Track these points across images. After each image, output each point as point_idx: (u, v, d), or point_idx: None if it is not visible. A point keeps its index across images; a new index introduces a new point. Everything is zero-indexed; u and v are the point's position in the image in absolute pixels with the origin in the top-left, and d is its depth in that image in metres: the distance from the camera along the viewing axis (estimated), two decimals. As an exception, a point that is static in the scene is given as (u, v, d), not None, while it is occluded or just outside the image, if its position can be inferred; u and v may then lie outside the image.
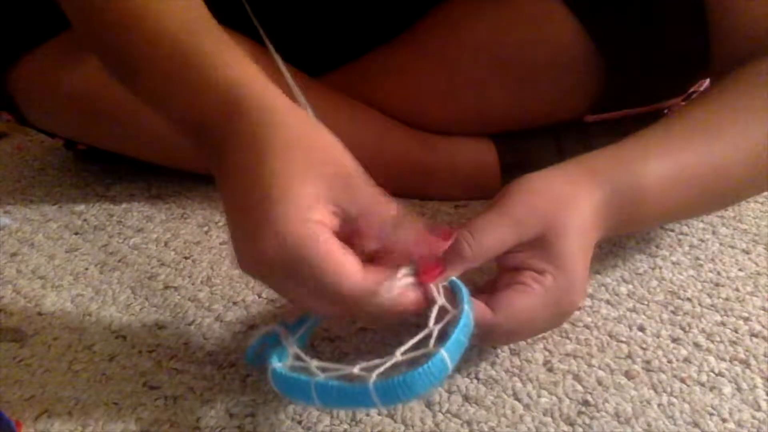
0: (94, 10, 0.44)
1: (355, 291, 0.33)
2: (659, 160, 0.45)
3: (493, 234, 0.39)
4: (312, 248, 0.32)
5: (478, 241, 0.39)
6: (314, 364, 0.34)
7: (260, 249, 0.33)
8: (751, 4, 0.52)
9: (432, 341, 0.34)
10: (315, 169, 0.35)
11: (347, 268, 0.33)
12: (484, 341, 0.40)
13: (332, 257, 0.33)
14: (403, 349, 0.34)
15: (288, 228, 0.32)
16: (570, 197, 0.41)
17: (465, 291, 0.37)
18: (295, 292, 0.34)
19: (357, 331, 0.46)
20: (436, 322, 0.35)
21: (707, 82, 0.67)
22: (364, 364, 0.33)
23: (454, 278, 0.38)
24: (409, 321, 0.37)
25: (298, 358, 0.36)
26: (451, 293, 0.38)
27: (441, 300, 0.36)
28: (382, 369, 0.33)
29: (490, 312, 0.38)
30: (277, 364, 0.36)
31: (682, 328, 0.46)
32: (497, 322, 0.38)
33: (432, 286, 0.37)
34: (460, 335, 0.35)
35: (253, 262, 0.34)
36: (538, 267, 0.39)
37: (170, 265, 0.56)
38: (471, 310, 0.36)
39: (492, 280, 0.41)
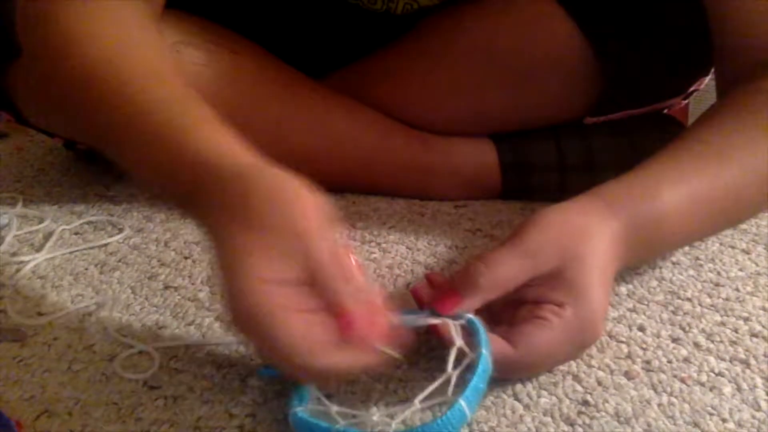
0: (59, 67, 0.45)
1: (304, 365, 0.33)
2: (673, 187, 0.45)
3: (506, 265, 0.39)
4: (261, 312, 0.32)
5: (492, 271, 0.39)
6: (335, 409, 0.35)
7: (229, 305, 0.34)
8: (753, 19, 0.52)
9: (450, 388, 0.34)
10: (274, 233, 0.34)
11: (293, 337, 0.32)
12: (505, 375, 0.40)
13: (279, 324, 0.32)
14: (421, 396, 0.34)
15: (241, 288, 0.33)
16: (585, 228, 0.41)
17: (483, 332, 0.37)
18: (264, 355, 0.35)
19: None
20: (455, 365, 0.36)
21: (706, 80, 0.67)
22: (383, 411, 0.34)
23: (471, 317, 0.38)
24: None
25: (319, 401, 0.37)
26: (469, 333, 0.38)
27: (459, 341, 0.37)
28: (401, 418, 0.33)
29: (509, 347, 0.38)
30: (298, 407, 0.36)
31: (682, 328, 0.46)
32: (517, 357, 0.38)
33: (450, 326, 0.38)
34: (479, 382, 0.35)
35: (230, 319, 0.35)
36: (557, 299, 0.39)
37: (170, 265, 0.56)
38: (489, 353, 0.36)
39: (511, 311, 0.41)
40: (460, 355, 0.36)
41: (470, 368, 0.36)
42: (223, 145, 0.39)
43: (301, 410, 0.36)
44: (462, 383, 0.35)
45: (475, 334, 0.37)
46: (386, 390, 0.40)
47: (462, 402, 0.33)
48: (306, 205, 0.35)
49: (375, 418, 0.33)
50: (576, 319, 0.38)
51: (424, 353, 0.43)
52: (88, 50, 0.44)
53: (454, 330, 0.37)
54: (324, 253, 0.34)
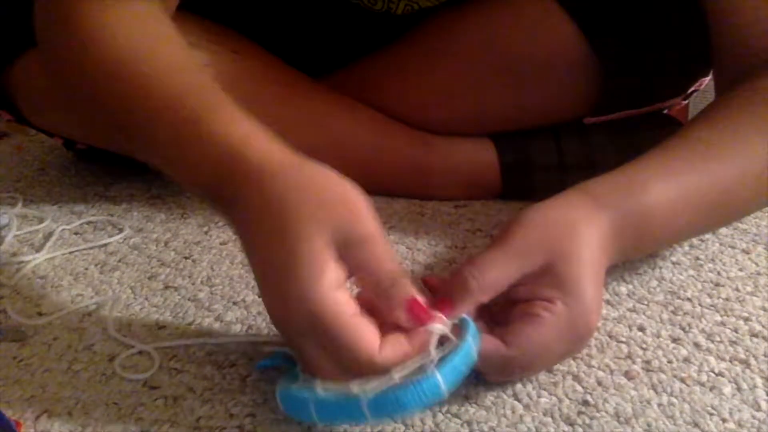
0: (82, 63, 0.45)
1: (369, 365, 0.34)
2: (664, 183, 0.45)
3: (497, 267, 0.39)
4: (332, 319, 0.34)
5: (483, 274, 0.39)
6: (318, 384, 0.35)
7: (287, 309, 0.34)
8: (750, 18, 0.52)
9: (431, 366, 0.34)
10: (326, 214, 0.36)
11: (365, 341, 0.34)
12: (502, 375, 0.40)
13: (351, 330, 0.34)
14: (400, 370, 0.34)
15: (310, 296, 0.34)
16: (571, 224, 0.41)
17: (472, 326, 0.37)
18: (316, 357, 0.35)
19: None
20: (439, 351, 0.36)
21: (707, 80, 0.67)
22: (363, 382, 0.34)
23: (463, 316, 0.38)
24: None
25: (306, 381, 0.37)
26: (459, 330, 0.38)
27: (446, 330, 0.37)
28: (377, 386, 0.33)
29: (503, 345, 0.38)
30: (285, 383, 0.37)
31: (682, 328, 0.46)
32: (511, 354, 0.38)
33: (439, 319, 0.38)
34: (459, 363, 0.35)
35: (281, 320, 0.36)
36: (547, 295, 0.39)
37: (170, 265, 0.56)
38: (476, 343, 0.36)
39: (506, 314, 0.40)
40: (446, 343, 0.36)
41: (453, 351, 0.36)
42: (259, 137, 0.39)
43: (287, 386, 0.36)
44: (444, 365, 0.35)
45: (462, 326, 0.38)
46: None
47: (438, 375, 0.33)
48: (356, 204, 0.37)
49: (353, 388, 0.34)
50: (567, 313, 0.38)
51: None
52: (112, 45, 0.44)
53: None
54: (387, 259, 0.36)
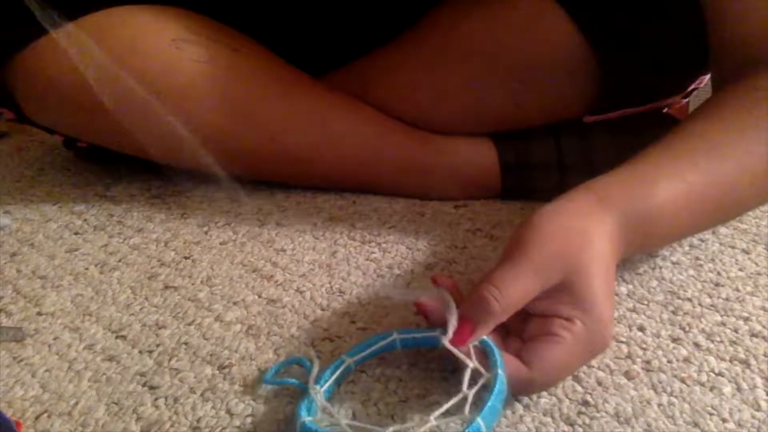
0: None
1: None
2: (668, 181, 0.45)
3: (517, 286, 0.39)
4: None
5: (505, 295, 0.38)
6: (344, 421, 0.35)
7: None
8: (749, 16, 0.52)
9: (467, 407, 0.34)
10: None
11: None
12: (521, 394, 0.40)
13: None
14: (437, 413, 0.34)
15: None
16: (584, 233, 0.41)
17: (498, 353, 0.37)
18: None
19: (357, 330, 0.46)
20: (470, 384, 0.35)
21: (707, 78, 0.67)
22: (396, 427, 0.33)
23: (484, 337, 0.38)
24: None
25: (325, 411, 0.36)
26: (482, 352, 0.37)
27: (474, 363, 0.36)
28: (413, 429, 0.33)
29: (525, 369, 0.38)
30: (306, 417, 0.36)
31: (682, 328, 0.46)
32: (533, 377, 0.38)
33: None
34: (496, 402, 0.34)
35: None
36: (566, 314, 0.39)
37: (170, 265, 0.56)
38: (505, 373, 0.36)
39: (518, 322, 0.40)
40: (476, 375, 0.36)
41: (486, 388, 0.35)
42: None
43: (310, 421, 0.35)
44: (477, 402, 0.34)
45: (490, 355, 0.37)
46: (386, 389, 0.40)
47: (480, 421, 0.33)
48: None
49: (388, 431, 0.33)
50: (586, 332, 0.38)
51: (425, 353, 0.43)
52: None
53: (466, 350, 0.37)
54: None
